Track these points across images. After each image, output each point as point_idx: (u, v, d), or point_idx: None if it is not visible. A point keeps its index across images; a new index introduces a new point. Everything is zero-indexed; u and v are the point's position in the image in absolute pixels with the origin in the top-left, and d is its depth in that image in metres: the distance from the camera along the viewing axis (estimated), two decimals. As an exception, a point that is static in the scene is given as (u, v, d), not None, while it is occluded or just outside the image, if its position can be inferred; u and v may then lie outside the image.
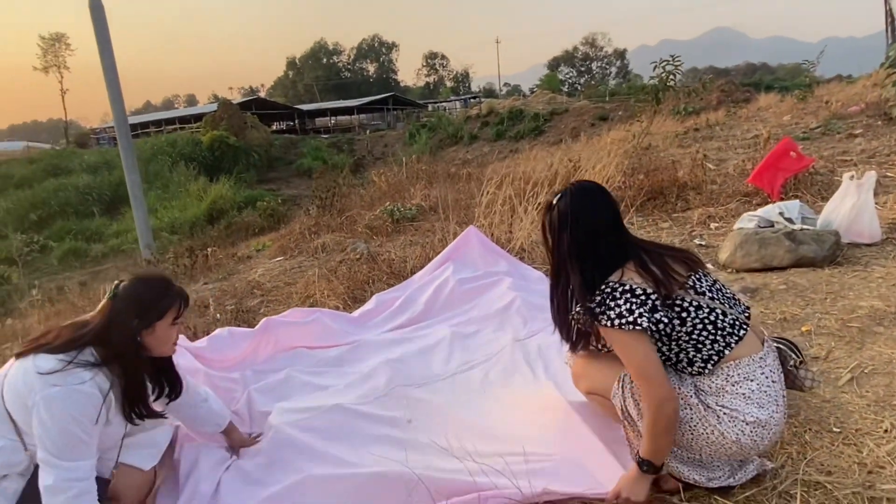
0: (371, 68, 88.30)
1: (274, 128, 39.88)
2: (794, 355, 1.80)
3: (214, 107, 32.70)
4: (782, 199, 4.34)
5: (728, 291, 1.74)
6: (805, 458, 1.75)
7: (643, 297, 1.58)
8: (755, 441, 1.56)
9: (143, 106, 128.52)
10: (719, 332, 1.61)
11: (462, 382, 2.63)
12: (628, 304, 1.57)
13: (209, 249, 7.17)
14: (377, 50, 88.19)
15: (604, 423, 1.97)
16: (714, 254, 3.83)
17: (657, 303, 1.59)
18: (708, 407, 1.60)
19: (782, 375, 1.67)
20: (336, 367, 2.93)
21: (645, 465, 1.58)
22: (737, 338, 1.62)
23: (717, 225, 4.48)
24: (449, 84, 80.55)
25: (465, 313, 3.39)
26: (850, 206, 3.53)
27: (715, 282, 1.74)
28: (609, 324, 1.58)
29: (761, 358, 1.61)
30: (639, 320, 1.54)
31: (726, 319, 1.63)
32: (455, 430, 2.18)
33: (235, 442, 2.20)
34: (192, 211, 19.66)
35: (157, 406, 1.93)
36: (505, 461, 1.85)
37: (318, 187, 9.29)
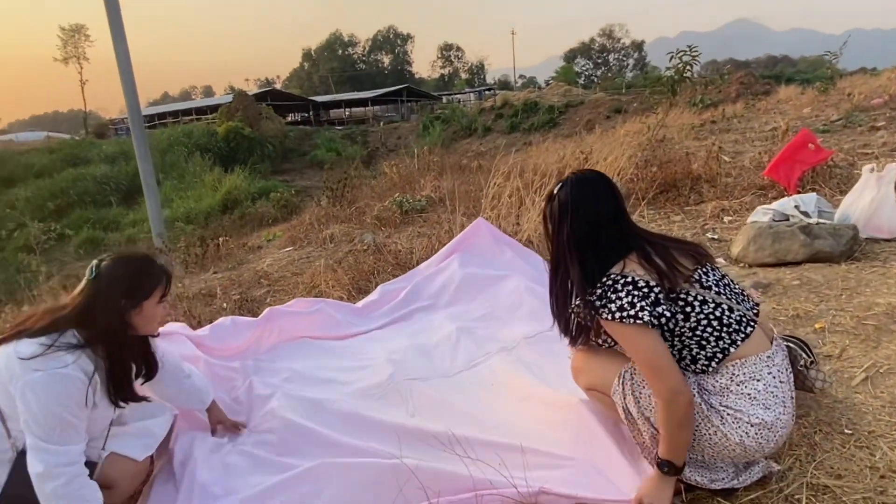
0: (386, 60, 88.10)
1: (289, 119, 39.99)
2: (804, 355, 1.74)
3: (230, 98, 32.86)
4: (799, 193, 4.22)
5: (736, 287, 1.68)
6: (814, 461, 1.68)
7: (645, 290, 1.52)
8: (760, 444, 1.49)
9: (160, 97, 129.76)
10: (725, 329, 1.54)
11: (468, 378, 2.59)
12: (630, 297, 1.51)
13: (220, 239, 7.20)
14: (392, 42, 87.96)
15: (616, 423, 1.90)
16: (727, 248, 3.74)
17: (660, 296, 1.52)
18: (711, 407, 1.53)
19: (791, 376, 1.60)
20: (339, 360, 2.91)
21: (665, 467, 1.51)
22: (743, 335, 1.55)
23: (730, 218, 4.37)
24: (464, 76, 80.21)
25: (471, 308, 3.34)
26: (869, 200, 3.41)
27: (723, 276, 1.68)
28: (610, 317, 1.52)
29: (769, 357, 1.55)
30: (640, 314, 1.48)
31: (733, 315, 1.56)
32: (458, 426, 2.14)
33: (216, 419, 2.21)
34: (207, 201, 19.78)
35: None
36: (501, 458, 1.80)
37: (329, 178, 9.28)
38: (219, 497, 1.87)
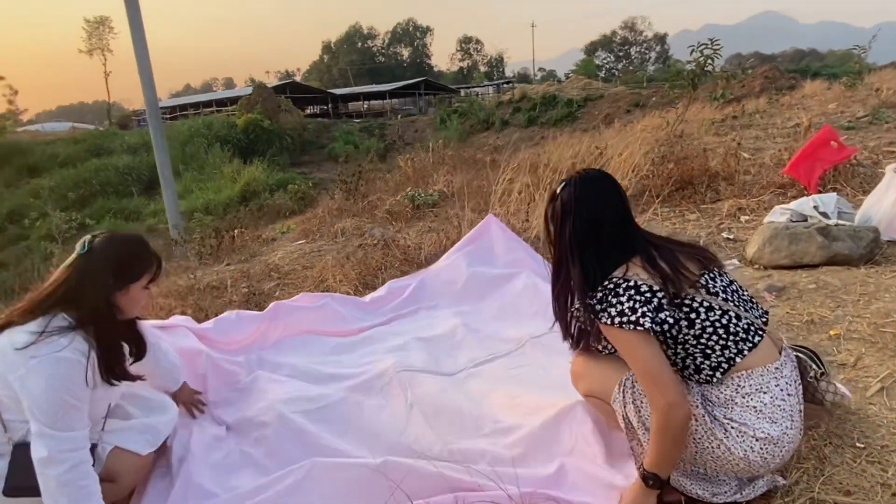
0: (405, 53, 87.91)
1: (307, 112, 40.14)
2: (815, 366, 1.66)
3: (250, 90, 33.07)
4: (819, 192, 4.09)
5: (745, 293, 1.61)
6: (822, 476, 1.60)
7: (648, 295, 1.46)
8: (765, 458, 1.43)
9: (182, 88, 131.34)
10: (731, 338, 1.48)
11: (469, 378, 2.56)
12: (631, 302, 1.45)
13: (235, 231, 7.24)
14: (411, 34, 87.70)
15: (610, 429, 1.86)
16: (742, 248, 3.64)
17: (663, 301, 1.47)
18: (715, 419, 1.47)
19: (800, 388, 1.54)
20: (342, 355, 2.90)
21: (651, 479, 1.46)
22: (751, 344, 1.49)
23: (747, 218, 4.25)
24: (483, 69, 79.69)
25: (479, 308, 3.30)
26: (892, 201, 3.28)
27: (732, 282, 1.61)
28: (609, 322, 1.47)
29: (777, 368, 1.48)
30: (641, 320, 1.43)
31: (740, 323, 1.50)
32: (452, 424, 2.13)
33: (184, 398, 2.23)
34: (226, 192, 19.96)
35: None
36: (491, 461, 1.78)
37: (344, 172, 9.29)
38: (214, 494, 1.86)
